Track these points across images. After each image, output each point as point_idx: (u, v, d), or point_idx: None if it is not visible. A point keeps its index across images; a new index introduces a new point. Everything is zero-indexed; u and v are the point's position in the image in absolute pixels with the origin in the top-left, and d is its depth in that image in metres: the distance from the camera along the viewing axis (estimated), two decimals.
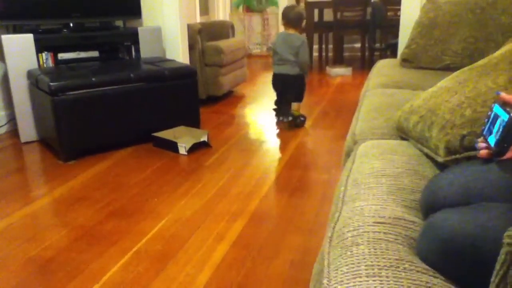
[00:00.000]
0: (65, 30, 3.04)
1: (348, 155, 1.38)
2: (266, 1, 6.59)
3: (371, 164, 1.06)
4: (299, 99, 3.14)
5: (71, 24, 3.07)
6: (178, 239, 1.70)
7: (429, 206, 0.79)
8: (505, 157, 0.76)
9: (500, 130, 0.75)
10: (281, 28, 3.62)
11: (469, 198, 0.72)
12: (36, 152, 2.72)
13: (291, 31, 3.07)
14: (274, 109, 3.21)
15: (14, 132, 3.02)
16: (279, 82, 3.12)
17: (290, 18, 3.06)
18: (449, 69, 2.07)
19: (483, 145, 0.80)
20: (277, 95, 3.19)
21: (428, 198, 0.81)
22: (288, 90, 3.09)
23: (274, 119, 3.25)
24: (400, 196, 0.87)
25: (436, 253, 0.64)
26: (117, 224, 1.83)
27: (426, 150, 1.10)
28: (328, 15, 5.64)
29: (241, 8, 6.84)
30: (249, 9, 6.76)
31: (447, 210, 0.68)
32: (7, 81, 2.78)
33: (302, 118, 3.15)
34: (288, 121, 3.12)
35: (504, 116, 0.74)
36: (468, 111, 0.98)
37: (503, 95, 0.79)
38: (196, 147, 2.65)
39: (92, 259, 1.59)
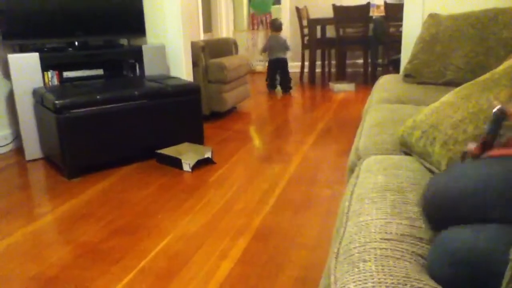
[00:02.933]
0: (70, 49, 3.08)
1: (352, 170, 1.37)
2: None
3: (375, 179, 1.06)
4: (288, 75, 5.16)
5: (76, 43, 3.11)
6: (182, 256, 1.69)
7: (438, 199, 0.77)
8: (490, 154, 0.78)
9: (489, 122, 0.79)
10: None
11: (486, 188, 0.71)
12: (41, 169, 2.73)
13: (277, 34, 5.16)
14: (268, 85, 5.26)
15: (19, 149, 3.04)
16: (277, 64, 5.11)
17: (276, 26, 5.19)
18: (451, 84, 2.08)
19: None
20: (271, 76, 5.20)
21: (438, 189, 0.78)
22: (282, 68, 5.12)
23: (268, 91, 5.21)
24: (405, 211, 0.87)
25: (448, 267, 0.64)
26: (121, 241, 1.83)
27: (428, 165, 1.10)
28: (331, 32, 5.69)
29: (245, 15, 6.92)
30: (255, 16, 6.84)
31: (458, 227, 0.68)
32: (13, 99, 2.81)
33: (290, 87, 5.17)
34: (279, 91, 5.16)
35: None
36: (470, 127, 0.98)
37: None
38: (200, 164, 2.65)
39: (96, 276, 1.58)
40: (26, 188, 2.44)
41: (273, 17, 6.67)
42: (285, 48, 5.15)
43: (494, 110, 0.81)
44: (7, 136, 3.08)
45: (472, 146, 0.84)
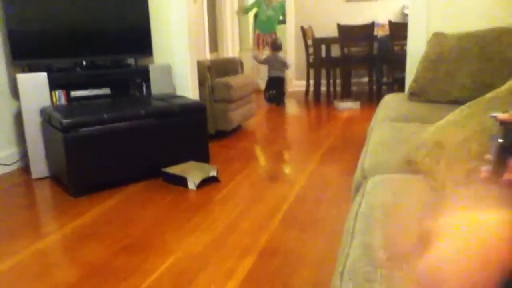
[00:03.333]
0: (78, 68, 3.12)
1: (357, 189, 1.37)
2: (274, 19, 6.74)
3: (380, 198, 1.05)
4: (284, 91, 5.75)
5: (84, 63, 3.16)
6: (188, 276, 1.68)
7: None
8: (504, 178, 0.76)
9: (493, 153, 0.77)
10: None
11: None
12: (47, 188, 2.74)
13: (277, 52, 5.65)
14: (269, 98, 5.70)
15: (26, 168, 3.06)
16: (275, 81, 5.60)
17: (276, 46, 5.70)
18: (457, 102, 2.08)
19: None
20: (270, 90, 5.66)
21: None
22: (279, 85, 5.62)
23: (268, 103, 5.69)
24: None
25: None
26: (126, 260, 1.82)
27: (434, 185, 1.09)
28: (335, 51, 5.73)
29: (250, 35, 6.98)
30: (260, 36, 6.89)
31: None
32: (21, 118, 2.84)
33: (284, 101, 5.71)
34: (277, 104, 5.57)
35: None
36: (474, 146, 0.98)
37: (500, 116, 0.77)
38: (205, 182, 2.65)
39: None
40: (32, 207, 2.45)
41: (278, 36, 6.76)
42: (284, 65, 5.60)
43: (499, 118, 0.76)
44: (14, 154, 3.11)
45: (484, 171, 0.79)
